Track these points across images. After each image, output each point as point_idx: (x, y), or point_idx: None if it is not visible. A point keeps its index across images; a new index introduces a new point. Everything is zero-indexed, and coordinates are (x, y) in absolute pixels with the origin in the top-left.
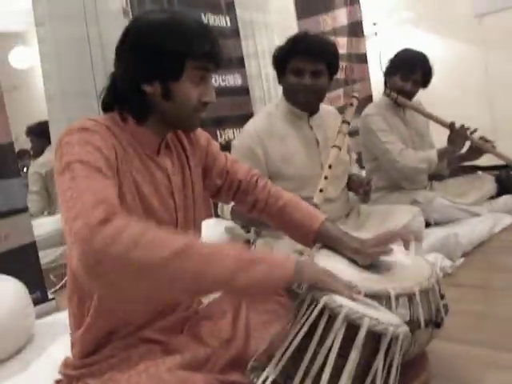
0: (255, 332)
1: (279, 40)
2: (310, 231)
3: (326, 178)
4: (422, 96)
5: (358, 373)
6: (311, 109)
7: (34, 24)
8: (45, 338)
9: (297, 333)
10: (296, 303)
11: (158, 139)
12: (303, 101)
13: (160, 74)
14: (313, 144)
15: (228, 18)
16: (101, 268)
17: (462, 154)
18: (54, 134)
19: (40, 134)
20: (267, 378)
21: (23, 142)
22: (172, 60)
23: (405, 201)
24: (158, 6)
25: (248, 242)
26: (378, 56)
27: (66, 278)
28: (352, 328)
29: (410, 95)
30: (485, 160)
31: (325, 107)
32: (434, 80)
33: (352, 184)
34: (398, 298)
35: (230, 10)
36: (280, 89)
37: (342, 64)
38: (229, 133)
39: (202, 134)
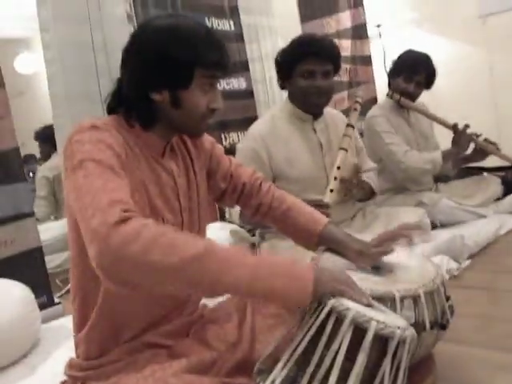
0: (261, 335)
1: (283, 43)
2: (313, 234)
3: (335, 178)
4: (427, 97)
5: (365, 376)
6: (320, 110)
7: (38, 30)
8: (51, 343)
9: (304, 335)
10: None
11: (164, 142)
12: (316, 103)
13: (169, 82)
14: (316, 147)
15: (232, 22)
16: (117, 267)
17: (466, 156)
18: (60, 138)
19: (46, 138)
20: (273, 381)
21: (29, 147)
22: (181, 69)
23: (410, 202)
24: (161, 11)
25: (253, 245)
26: (383, 58)
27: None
28: (359, 331)
29: (413, 96)
30: (490, 161)
31: (330, 111)
32: (439, 81)
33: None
34: (402, 300)
35: (234, 13)
36: (284, 92)
37: (347, 66)
38: (233, 136)
39: (206, 138)
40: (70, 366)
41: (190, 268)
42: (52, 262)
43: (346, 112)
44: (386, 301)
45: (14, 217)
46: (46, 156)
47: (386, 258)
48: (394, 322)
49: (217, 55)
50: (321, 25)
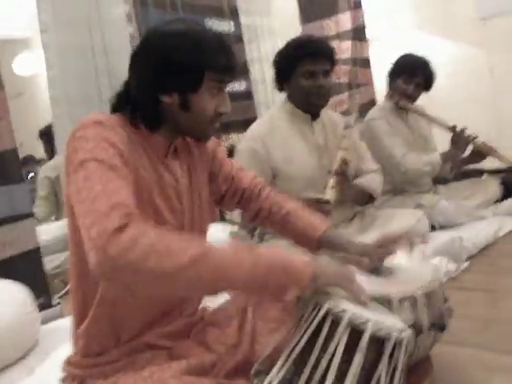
0: (261, 337)
1: (283, 45)
2: (312, 240)
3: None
4: (427, 99)
5: (362, 377)
6: (319, 110)
7: (37, 31)
8: (50, 344)
9: (300, 337)
10: (300, 307)
11: (167, 143)
12: (316, 103)
13: (180, 85)
14: (315, 147)
15: (231, 23)
16: (116, 275)
17: (464, 157)
18: (59, 140)
19: (50, 137)
20: (271, 382)
21: (28, 148)
22: (192, 73)
23: (409, 204)
24: (161, 12)
25: None
26: (382, 60)
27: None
28: (355, 333)
29: (412, 98)
30: (489, 163)
31: (329, 112)
32: (439, 83)
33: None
34: (401, 301)
35: (234, 15)
36: (283, 93)
37: (347, 68)
38: (233, 137)
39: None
40: (69, 362)
41: (186, 273)
42: (52, 262)
43: (345, 114)
44: (385, 302)
45: (13, 218)
46: (50, 155)
47: (385, 261)
48: (391, 323)
49: (226, 59)
50: (321, 26)
